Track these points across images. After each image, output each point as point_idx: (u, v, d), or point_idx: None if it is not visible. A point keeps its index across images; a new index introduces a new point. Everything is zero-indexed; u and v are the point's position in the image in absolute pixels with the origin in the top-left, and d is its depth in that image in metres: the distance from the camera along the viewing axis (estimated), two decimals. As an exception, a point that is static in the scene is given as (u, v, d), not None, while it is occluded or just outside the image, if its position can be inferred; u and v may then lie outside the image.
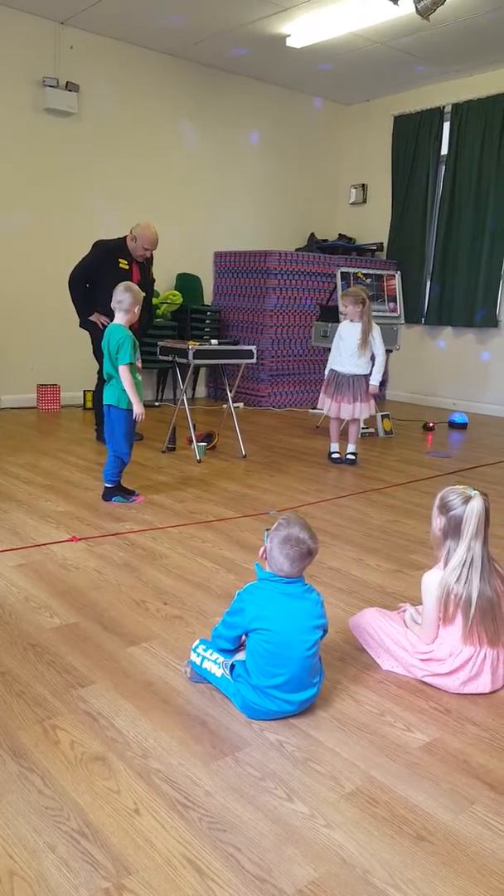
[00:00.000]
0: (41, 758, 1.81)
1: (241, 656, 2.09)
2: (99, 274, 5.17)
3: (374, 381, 5.11)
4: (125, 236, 5.34)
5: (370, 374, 5.15)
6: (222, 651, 2.13)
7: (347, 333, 5.09)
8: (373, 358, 5.14)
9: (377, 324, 5.31)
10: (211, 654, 2.14)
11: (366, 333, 5.02)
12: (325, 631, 2.07)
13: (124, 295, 3.84)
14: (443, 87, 7.81)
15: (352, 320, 5.08)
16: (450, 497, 2.24)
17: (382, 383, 8.49)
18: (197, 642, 2.20)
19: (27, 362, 6.90)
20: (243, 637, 2.11)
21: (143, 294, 3.96)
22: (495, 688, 2.24)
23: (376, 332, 5.08)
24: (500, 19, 6.06)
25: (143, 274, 5.41)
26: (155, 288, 7.38)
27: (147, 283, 5.41)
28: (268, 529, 2.08)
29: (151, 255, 5.45)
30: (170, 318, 7.51)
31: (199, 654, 2.16)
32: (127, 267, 5.28)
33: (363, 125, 8.70)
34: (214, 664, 2.12)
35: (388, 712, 2.11)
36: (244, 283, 7.69)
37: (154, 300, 7.27)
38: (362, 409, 5.11)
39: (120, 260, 5.26)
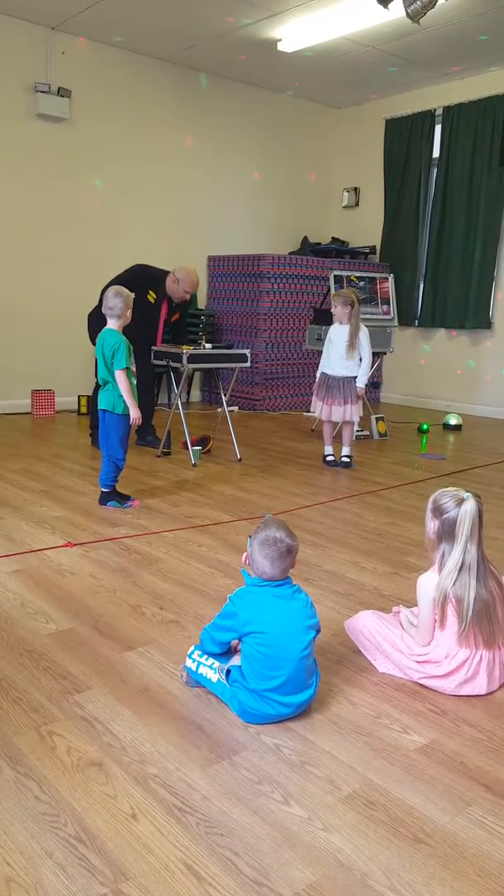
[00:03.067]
0: (38, 764, 1.81)
1: (236, 661, 2.09)
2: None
3: (360, 383, 5.09)
4: (166, 271, 5.34)
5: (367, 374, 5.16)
6: (210, 654, 2.13)
7: (336, 336, 5.10)
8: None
9: (370, 327, 5.32)
10: (207, 660, 2.14)
11: (353, 335, 5.02)
12: (318, 630, 2.08)
13: (115, 300, 3.84)
14: (434, 91, 7.84)
15: (340, 322, 5.08)
16: (443, 500, 2.24)
17: (376, 385, 8.51)
18: (192, 648, 2.20)
19: (21, 368, 6.89)
20: (234, 642, 2.11)
21: (133, 296, 3.95)
22: (491, 689, 2.24)
23: (363, 333, 5.07)
24: (489, 23, 6.09)
25: (170, 313, 5.41)
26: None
27: (168, 322, 5.41)
28: (250, 536, 2.08)
29: (189, 300, 5.48)
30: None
31: (194, 660, 2.16)
32: (153, 301, 5.27)
33: (355, 128, 8.73)
34: (210, 669, 2.11)
35: (385, 715, 2.11)
36: (238, 287, 7.70)
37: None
38: (353, 411, 5.12)
39: (150, 291, 5.23)
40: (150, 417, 5.58)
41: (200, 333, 5.44)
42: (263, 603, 2.02)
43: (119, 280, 5.26)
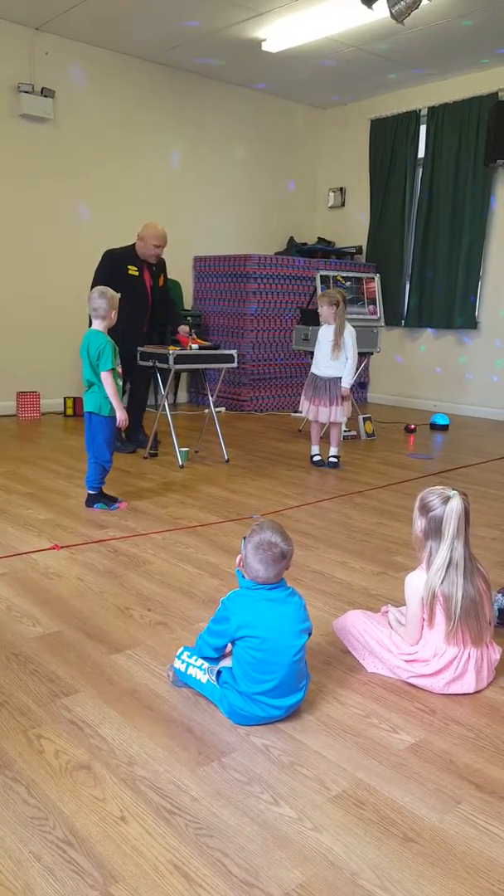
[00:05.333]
0: (25, 767, 1.80)
1: (226, 662, 2.09)
2: (111, 282, 4.85)
3: (346, 383, 5.07)
4: (133, 244, 5.40)
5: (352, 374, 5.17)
6: (207, 659, 2.12)
7: (324, 336, 5.10)
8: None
9: (357, 327, 5.32)
10: (196, 661, 2.13)
11: (337, 335, 5.03)
12: (310, 633, 2.07)
13: (99, 301, 3.82)
14: (418, 91, 7.86)
15: (328, 323, 5.09)
16: (429, 498, 2.25)
17: (363, 385, 8.53)
18: (181, 649, 2.19)
19: (6, 369, 6.85)
20: (228, 646, 2.10)
21: (119, 296, 3.94)
22: (479, 687, 2.25)
23: (348, 333, 5.07)
24: (473, 23, 6.11)
25: (155, 279, 5.49)
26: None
27: (156, 288, 5.51)
28: (245, 537, 2.08)
29: (163, 261, 5.55)
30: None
31: (183, 661, 2.15)
32: (137, 273, 5.37)
33: (340, 129, 8.75)
34: (199, 670, 2.11)
35: (374, 714, 2.11)
36: (224, 288, 7.70)
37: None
38: (338, 412, 5.11)
39: (129, 266, 5.34)
40: (139, 418, 5.55)
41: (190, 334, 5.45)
42: (256, 606, 2.01)
43: (97, 272, 5.33)
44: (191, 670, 2.13)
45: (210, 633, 2.09)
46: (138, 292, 5.36)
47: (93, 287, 5.09)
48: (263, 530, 2.03)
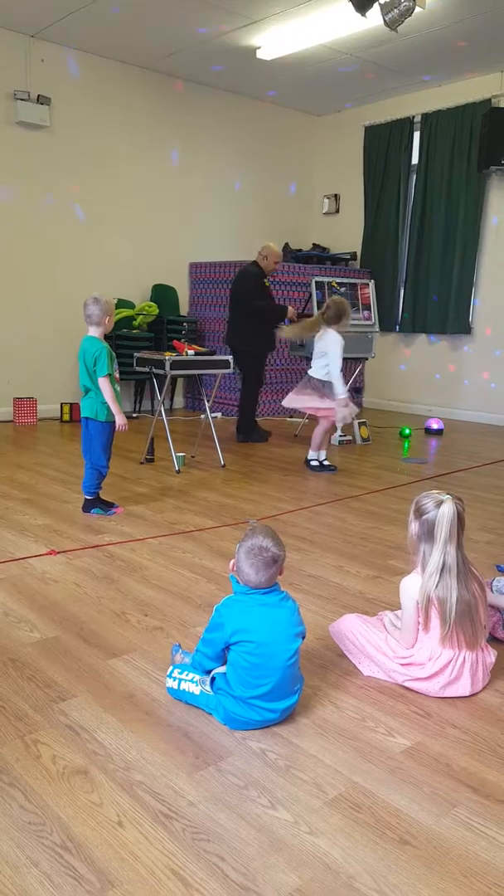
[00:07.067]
0: (22, 773, 1.80)
1: (220, 668, 2.09)
2: (261, 295, 6.12)
3: (316, 375, 5.20)
4: (254, 261, 6.15)
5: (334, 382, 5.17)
6: (208, 671, 2.12)
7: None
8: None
9: (352, 332, 5.36)
10: (187, 675, 2.12)
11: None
12: (304, 637, 2.08)
13: (93, 308, 3.82)
14: (412, 98, 7.90)
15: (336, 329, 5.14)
16: (423, 502, 2.26)
17: (358, 390, 8.55)
18: (171, 668, 2.19)
19: (3, 375, 6.86)
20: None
21: (115, 302, 3.96)
22: (475, 691, 2.26)
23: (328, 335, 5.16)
24: (466, 30, 6.15)
25: None
26: (129, 300, 7.41)
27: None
28: (239, 542, 2.09)
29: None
30: (146, 329, 7.51)
31: (174, 678, 2.15)
32: (268, 284, 6.24)
33: (335, 135, 8.78)
34: (191, 683, 2.10)
35: (370, 717, 2.12)
36: (220, 294, 7.70)
37: (131, 311, 7.30)
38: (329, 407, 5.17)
39: (265, 280, 6.15)
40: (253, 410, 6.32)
41: (183, 340, 5.47)
42: (250, 611, 2.02)
43: (248, 284, 6.06)
44: (183, 685, 2.12)
45: (206, 643, 2.09)
46: (271, 300, 6.26)
47: (243, 300, 5.99)
48: (255, 535, 2.04)
